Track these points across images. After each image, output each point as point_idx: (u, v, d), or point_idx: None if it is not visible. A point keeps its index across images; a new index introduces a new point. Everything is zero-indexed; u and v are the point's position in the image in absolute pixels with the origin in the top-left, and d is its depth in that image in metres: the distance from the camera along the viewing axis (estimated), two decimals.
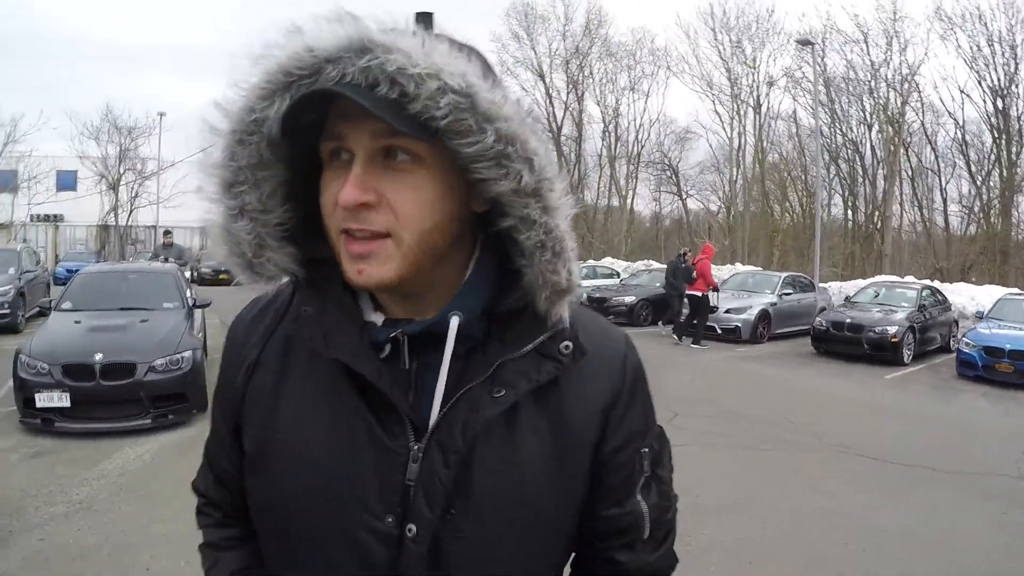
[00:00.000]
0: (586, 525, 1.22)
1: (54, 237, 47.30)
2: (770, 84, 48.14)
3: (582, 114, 55.52)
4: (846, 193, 46.28)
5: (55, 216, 46.59)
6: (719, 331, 17.99)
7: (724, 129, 50.93)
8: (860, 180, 45.49)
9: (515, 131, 0.98)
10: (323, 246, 1.10)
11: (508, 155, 0.98)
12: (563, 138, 55.53)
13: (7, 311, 15.19)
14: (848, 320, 16.25)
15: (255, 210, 1.09)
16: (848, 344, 15.92)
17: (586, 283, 25.98)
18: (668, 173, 54.68)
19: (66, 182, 46.84)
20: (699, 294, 17.33)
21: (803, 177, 47.39)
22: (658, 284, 22.54)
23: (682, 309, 17.87)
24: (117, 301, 9.88)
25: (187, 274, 15.19)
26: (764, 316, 18.58)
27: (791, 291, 20.29)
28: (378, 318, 1.14)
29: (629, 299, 21.75)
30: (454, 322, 1.08)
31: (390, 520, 1.07)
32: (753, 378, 13.73)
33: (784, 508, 6.62)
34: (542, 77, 54.82)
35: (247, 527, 1.29)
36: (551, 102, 55.17)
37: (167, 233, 18.58)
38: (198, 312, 10.56)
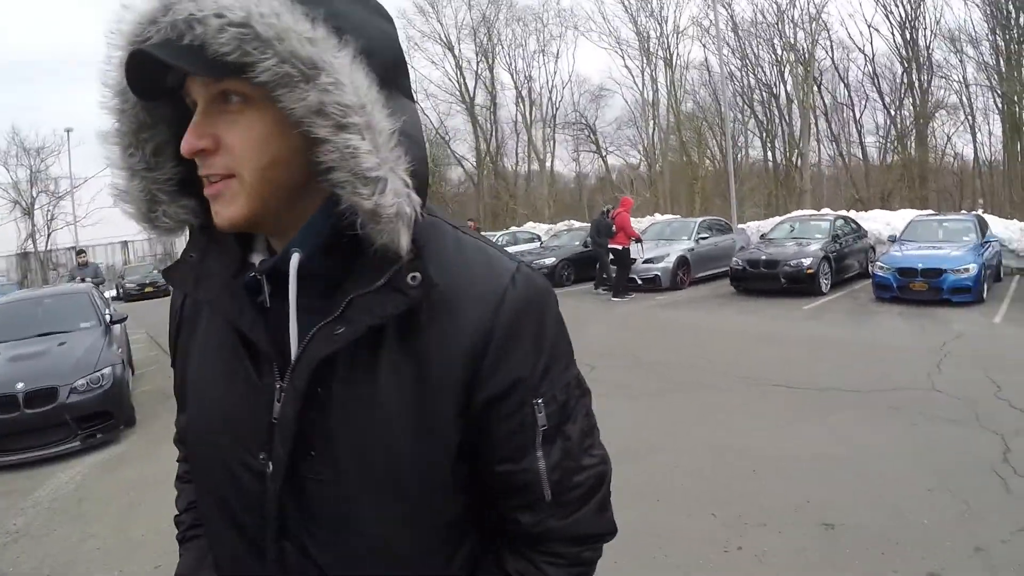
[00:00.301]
0: (483, 480, 1.19)
1: None
2: (678, 34, 48.47)
3: (494, 82, 55.30)
4: (764, 135, 46.92)
5: None
6: (639, 281, 18.18)
7: (636, 83, 51.11)
8: (777, 121, 46.14)
9: (293, 48, 0.97)
10: None
11: (292, 75, 0.97)
12: (477, 108, 55.35)
13: None
14: (764, 257, 16.49)
15: (143, 169, 1.16)
16: (765, 280, 16.18)
17: (508, 250, 26.06)
18: (586, 132, 54.82)
19: None
20: (620, 247, 17.50)
21: (720, 123, 47.94)
22: (577, 243, 22.78)
23: (611, 264, 18.05)
24: (34, 327, 9.85)
25: (107, 292, 14.84)
26: (683, 262, 18.80)
27: (708, 235, 20.53)
28: (258, 259, 1.18)
29: (549, 261, 21.82)
30: (294, 259, 1.10)
31: (262, 457, 1.12)
32: (671, 324, 13.84)
33: (695, 447, 6.63)
34: (451, 49, 54.56)
35: None
36: (462, 73, 54.97)
37: (80, 253, 18.67)
38: (118, 328, 10.49)
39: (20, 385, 7.87)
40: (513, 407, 1.13)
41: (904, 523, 4.84)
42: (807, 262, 15.79)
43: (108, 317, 10.40)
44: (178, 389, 1.34)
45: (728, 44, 45.46)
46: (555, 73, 55.07)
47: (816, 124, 44.70)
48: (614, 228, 17.57)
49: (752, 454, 6.28)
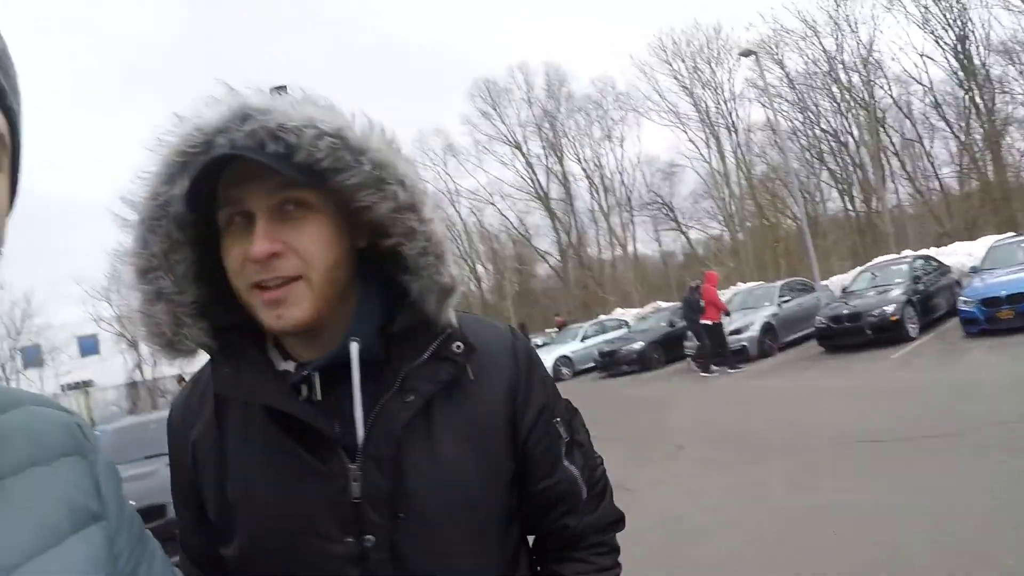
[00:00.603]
0: (530, 502, 1.36)
1: (87, 402, 47.75)
2: (735, 99, 48.59)
3: (566, 175, 56.17)
4: (839, 185, 46.21)
5: (84, 382, 46.83)
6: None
7: (703, 154, 51.16)
8: (850, 169, 45.44)
9: (384, 157, 1.15)
10: (231, 314, 1.23)
11: (383, 179, 1.14)
12: (553, 202, 55.93)
13: None
14: (846, 311, 16.06)
15: (171, 292, 1.19)
16: (851, 335, 15.73)
17: (595, 339, 26.22)
18: (664, 211, 54.75)
19: (88, 346, 48.61)
20: (711, 322, 17.41)
21: (795, 181, 47.45)
22: (663, 324, 22.76)
23: (705, 341, 17.91)
24: (143, 450, 10.23)
25: None
26: (768, 328, 18.58)
27: (791, 297, 20.22)
28: (289, 365, 1.25)
29: (637, 345, 21.92)
30: (354, 347, 1.20)
31: (349, 540, 1.17)
32: (757, 393, 13.71)
33: (777, 513, 6.57)
34: (518, 147, 55.81)
35: None
36: (533, 170, 55.88)
37: (181, 380, 19.99)
38: None
39: (132, 503, 8.30)
40: (543, 429, 1.36)
41: (987, 566, 4.71)
42: (890, 309, 15.35)
43: None
44: (217, 515, 1.28)
45: (786, 100, 45.33)
46: (623, 157, 55.24)
47: (888, 164, 43.84)
48: (702, 303, 17.54)
49: (833, 514, 6.18)
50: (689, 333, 18.99)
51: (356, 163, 1.12)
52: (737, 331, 18.26)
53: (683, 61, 50.08)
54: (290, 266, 1.14)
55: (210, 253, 1.22)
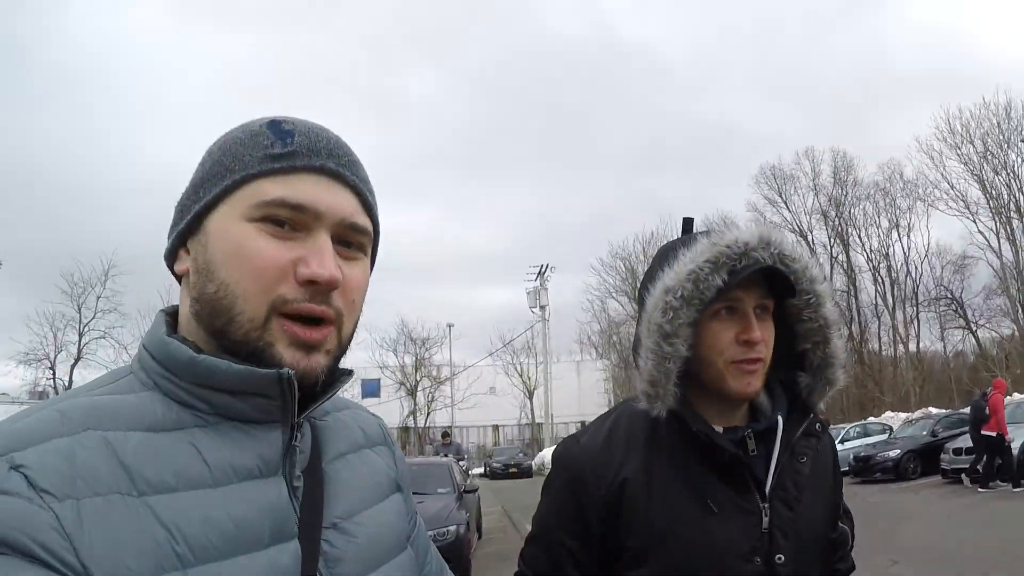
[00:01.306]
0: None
1: None
2: None
3: (851, 265, 53.87)
4: None
5: None
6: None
7: (994, 245, 46.78)
8: None
9: (824, 291, 1.55)
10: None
11: (821, 304, 1.55)
12: (836, 293, 53.34)
13: None
14: None
15: (680, 356, 1.49)
16: None
17: (854, 442, 25.12)
18: (952, 307, 50.60)
19: (370, 389, 52.11)
20: (993, 434, 16.22)
21: None
22: (925, 432, 21.61)
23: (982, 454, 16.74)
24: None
25: (474, 469, 16.71)
26: None
27: None
28: (719, 428, 1.55)
29: (893, 453, 20.93)
30: (780, 420, 1.56)
31: (758, 560, 1.48)
32: (1000, 516, 12.73)
33: None
34: (803, 236, 53.79)
35: None
36: (816, 259, 53.46)
37: (445, 435, 22.34)
38: (472, 497, 12.57)
39: None
40: (840, 497, 1.74)
41: None
42: None
43: (462, 487, 12.27)
44: (640, 540, 1.50)
45: None
46: (909, 248, 51.61)
47: None
48: (987, 411, 16.45)
49: None
50: (947, 446, 17.97)
51: (810, 292, 1.53)
52: None
53: (972, 144, 46.48)
54: (764, 352, 1.49)
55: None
